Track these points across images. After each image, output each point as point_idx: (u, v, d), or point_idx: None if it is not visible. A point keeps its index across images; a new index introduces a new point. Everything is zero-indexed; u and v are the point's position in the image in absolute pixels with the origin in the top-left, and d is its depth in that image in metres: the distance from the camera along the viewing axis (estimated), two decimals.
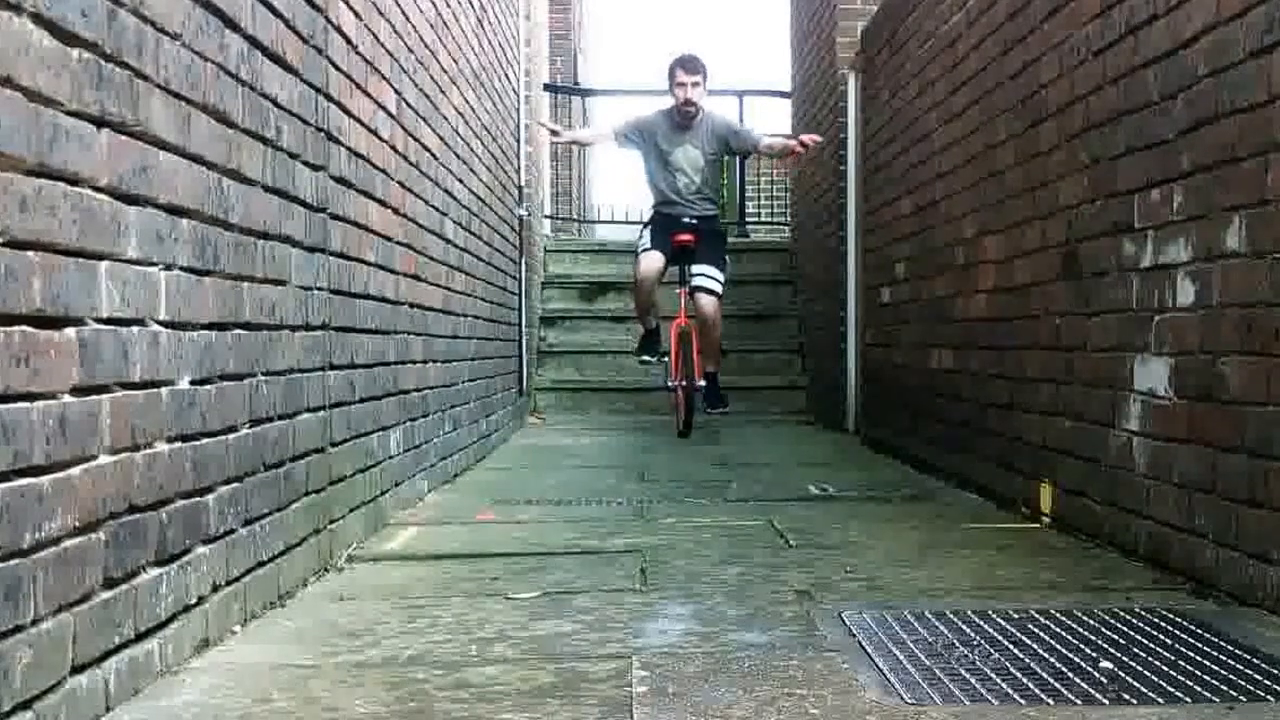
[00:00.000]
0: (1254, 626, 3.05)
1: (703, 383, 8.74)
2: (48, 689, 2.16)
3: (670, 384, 8.94)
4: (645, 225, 9.10)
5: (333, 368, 4.04)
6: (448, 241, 6.31)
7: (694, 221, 8.79)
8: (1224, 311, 3.38)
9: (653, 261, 8.75)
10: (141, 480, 2.56)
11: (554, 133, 9.86)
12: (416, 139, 5.50)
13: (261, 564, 3.31)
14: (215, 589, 2.97)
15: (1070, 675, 2.67)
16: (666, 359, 8.88)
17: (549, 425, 10.30)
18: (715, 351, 8.85)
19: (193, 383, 2.84)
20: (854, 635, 3.02)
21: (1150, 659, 2.79)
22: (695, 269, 8.69)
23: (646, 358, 9.19)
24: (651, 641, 3.00)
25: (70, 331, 2.27)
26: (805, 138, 8.75)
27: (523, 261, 9.76)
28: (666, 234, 8.76)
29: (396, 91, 5.08)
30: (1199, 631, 3.03)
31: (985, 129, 5.55)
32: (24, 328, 2.10)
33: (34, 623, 2.12)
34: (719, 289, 8.75)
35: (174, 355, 2.73)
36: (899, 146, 7.37)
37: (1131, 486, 3.96)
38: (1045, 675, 2.67)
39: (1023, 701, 2.49)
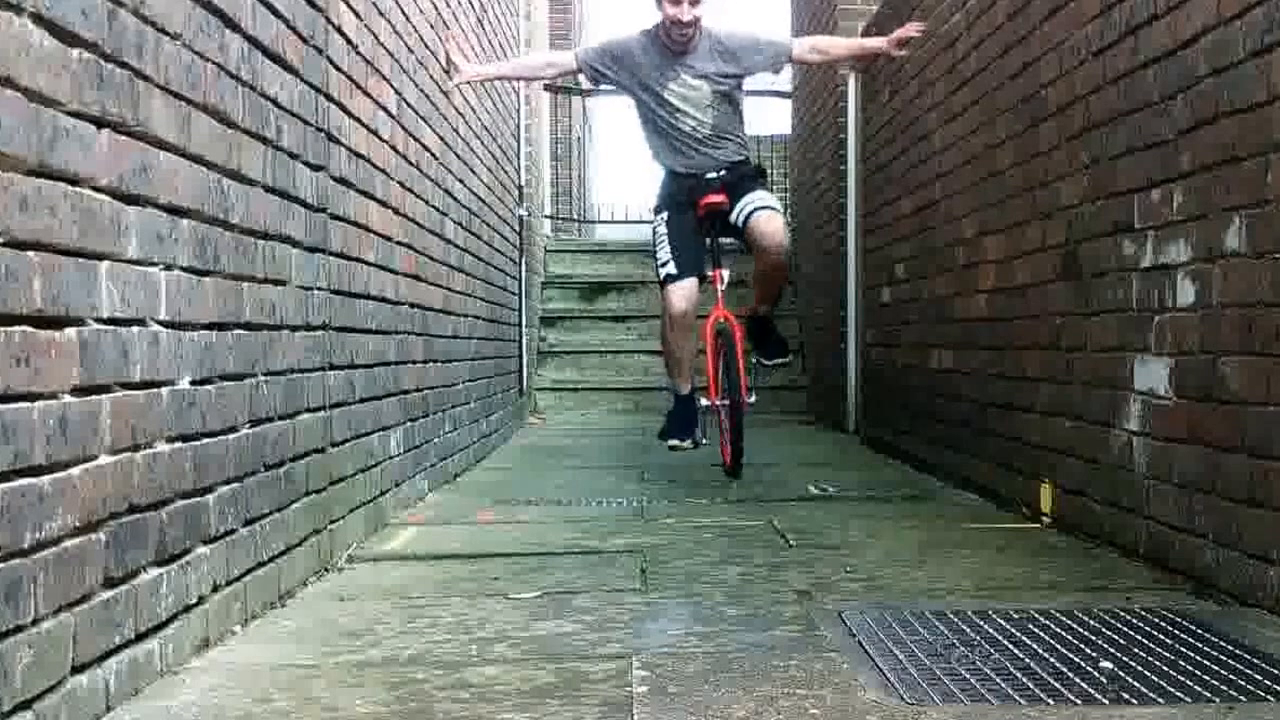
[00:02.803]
0: (1254, 627, 3.05)
1: (752, 398, 6.39)
2: (48, 689, 2.16)
3: (705, 404, 6.43)
4: (658, 206, 6.51)
5: (333, 368, 4.04)
6: (448, 241, 6.31)
7: (721, 174, 6.42)
8: (1224, 311, 3.38)
9: (686, 294, 6.29)
10: (142, 480, 2.56)
11: (456, 68, 6.33)
12: (417, 139, 5.51)
13: (262, 564, 3.31)
14: (215, 589, 2.97)
15: (1070, 675, 2.67)
16: (704, 442, 6.46)
17: (549, 425, 10.30)
18: (776, 291, 6.68)
19: (193, 383, 2.84)
20: (854, 635, 3.02)
21: (1150, 659, 2.79)
22: (741, 202, 6.35)
23: (676, 441, 6.41)
24: (652, 641, 3.00)
25: (70, 331, 2.27)
26: (907, 32, 6.45)
27: (523, 261, 9.76)
28: (689, 207, 6.37)
29: (397, 91, 5.08)
30: (1199, 632, 3.03)
31: (985, 129, 5.55)
32: (24, 328, 2.10)
33: (34, 622, 2.12)
34: (779, 207, 6.50)
35: (174, 355, 2.73)
36: (899, 146, 7.37)
37: (1132, 486, 3.96)
38: (1045, 675, 2.67)
39: (1023, 701, 2.49)
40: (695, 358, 6.48)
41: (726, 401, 6.32)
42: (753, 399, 6.38)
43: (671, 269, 6.33)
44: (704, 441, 6.42)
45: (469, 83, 6.63)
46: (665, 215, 6.44)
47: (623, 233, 15.15)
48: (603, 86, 6.67)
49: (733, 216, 6.37)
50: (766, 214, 6.33)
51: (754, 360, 6.72)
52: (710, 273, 6.38)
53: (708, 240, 6.45)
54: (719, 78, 6.38)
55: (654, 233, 6.51)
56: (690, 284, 6.31)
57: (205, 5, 2.93)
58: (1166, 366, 3.72)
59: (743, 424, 6.28)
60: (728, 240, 6.54)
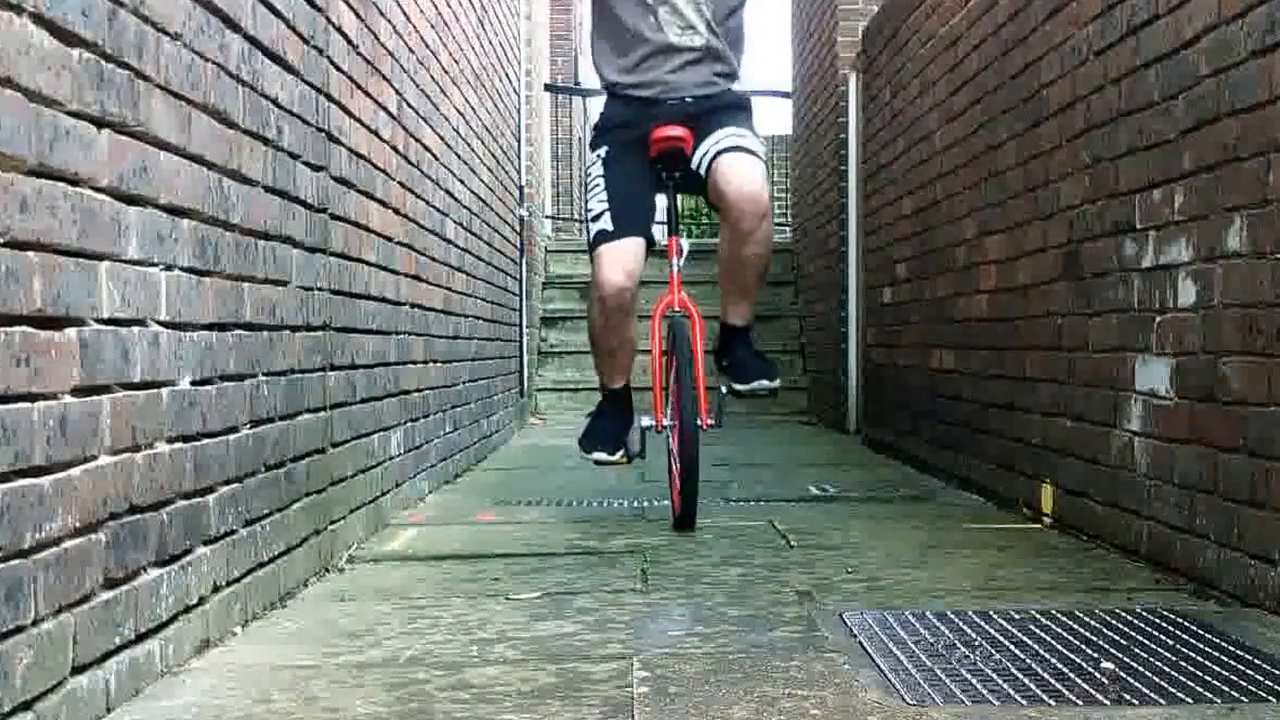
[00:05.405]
0: (1255, 627, 3.05)
1: (711, 422, 4.60)
2: (48, 689, 2.16)
3: (648, 423, 4.80)
4: (596, 139, 4.82)
5: (333, 368, 4.04)
6: (448, 242, 6.31)
7: (687, 103, 4.69)
8: (1225, 312, 3.38)
9: (624, 260, 4.59)
10: (142, 481, 2.56)
11: None
12: (417, 139, 5.50)
13: (262, 564, 3.31)
14: (216, 589, 2.97)
15: (1071, 676, 2.67)
16: (639, 458, 4.92)
17: (550, 426, 10.30)
18: (753, 285, 4.74)
19: (193, 383, 2.84)
20: (855, 636, 3.02)
21: (1152, 659, 2.79)
22: (706, 141, 4.61)
23: (602, 455, 4.85)
24: (653, 642, 3.00)
25: (71, 332, 2.26)
26: None
27: (523, 262, 9.76)
28: (640, 144, 4.69)
29: (397, 92, 5.08)
30: (1200, 632, 3.02)
31: (986, 129, 5.55)
32: (24, 328, 2.10)
33: (35, 623, 2.11)
34: (760, 151, 4.66)
35: (174, 355, 2.73)
36: (900, 146, 7.37)
37: (1133, 487, 3.96)
38: (1046, 676, 2.67)
39: (1024, 702, 2.49)
40: (628, 345, 4.77)
41: (675, 423, 4.67)
42: (713, 421, 4.64)
43: (606, 224, 4.62)
44: (641, 456, 4.91)
45: None
46: (605, 153, 4.76)
47: None
48: None
49: (694, 161, 4.62)
50: (738, 155, 4.51)
51: (722, 389, 4.83)
52: (665, 241, 4.79)
53: (663, 190, 4.78)
54: None
55: (587, 175, 4.81)
56: (630, 246, 4.59)
57: (205, 5, 2.93)
58: (1168, 367, 3.72)
59: (697, 457, 4.57)
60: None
